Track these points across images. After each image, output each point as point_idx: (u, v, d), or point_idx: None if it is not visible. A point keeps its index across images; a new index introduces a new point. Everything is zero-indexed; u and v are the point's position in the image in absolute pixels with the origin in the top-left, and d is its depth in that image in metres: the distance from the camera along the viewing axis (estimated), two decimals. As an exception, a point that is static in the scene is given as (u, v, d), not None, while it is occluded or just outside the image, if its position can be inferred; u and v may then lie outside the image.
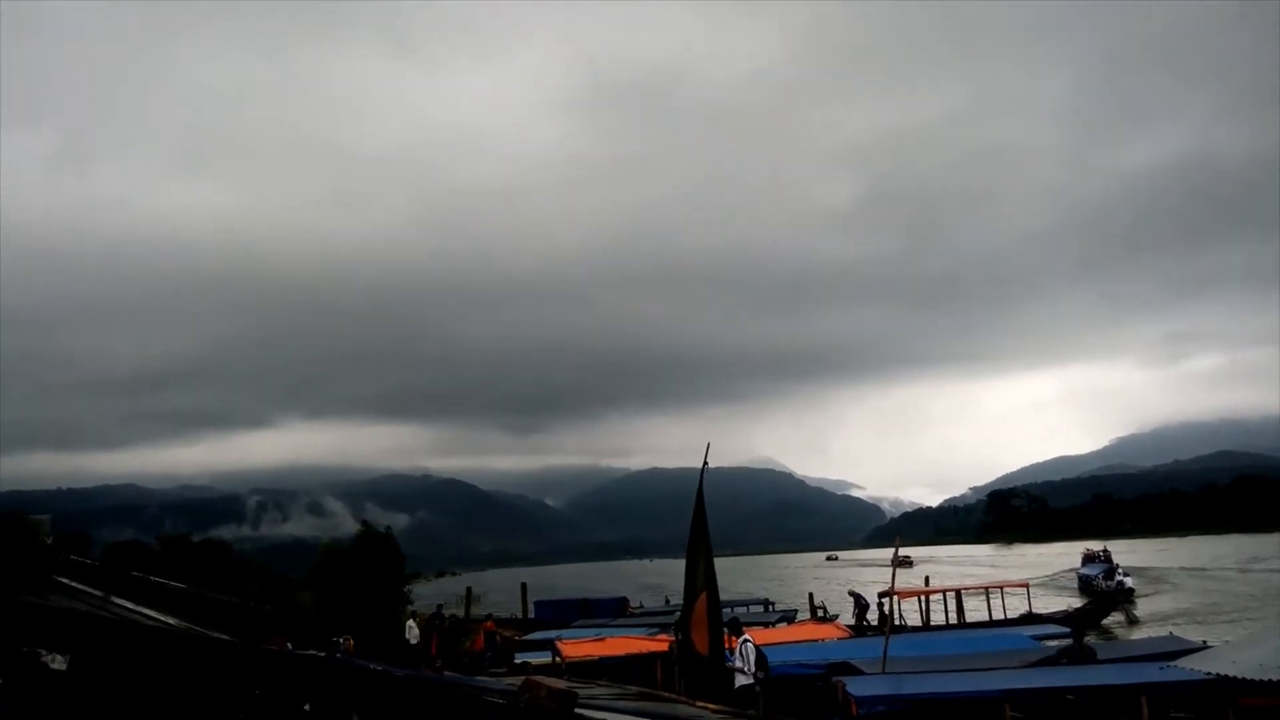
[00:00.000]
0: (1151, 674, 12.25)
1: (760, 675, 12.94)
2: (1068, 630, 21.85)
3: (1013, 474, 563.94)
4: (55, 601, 8.68)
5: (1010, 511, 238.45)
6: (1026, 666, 14.37)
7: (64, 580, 9.64)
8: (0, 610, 5.21)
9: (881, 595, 33.76)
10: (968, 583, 39.91)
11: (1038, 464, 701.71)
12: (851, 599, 38.35)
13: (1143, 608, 44.20)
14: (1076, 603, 39.34)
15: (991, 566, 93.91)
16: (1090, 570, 58.17)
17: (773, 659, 15.05)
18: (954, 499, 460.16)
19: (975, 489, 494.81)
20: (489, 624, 30.79)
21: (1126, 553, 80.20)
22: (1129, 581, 49.62)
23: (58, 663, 9.54)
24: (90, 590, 9.33)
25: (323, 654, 7.43)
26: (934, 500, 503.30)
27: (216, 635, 8.73)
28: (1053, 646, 17.51)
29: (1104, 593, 45.34)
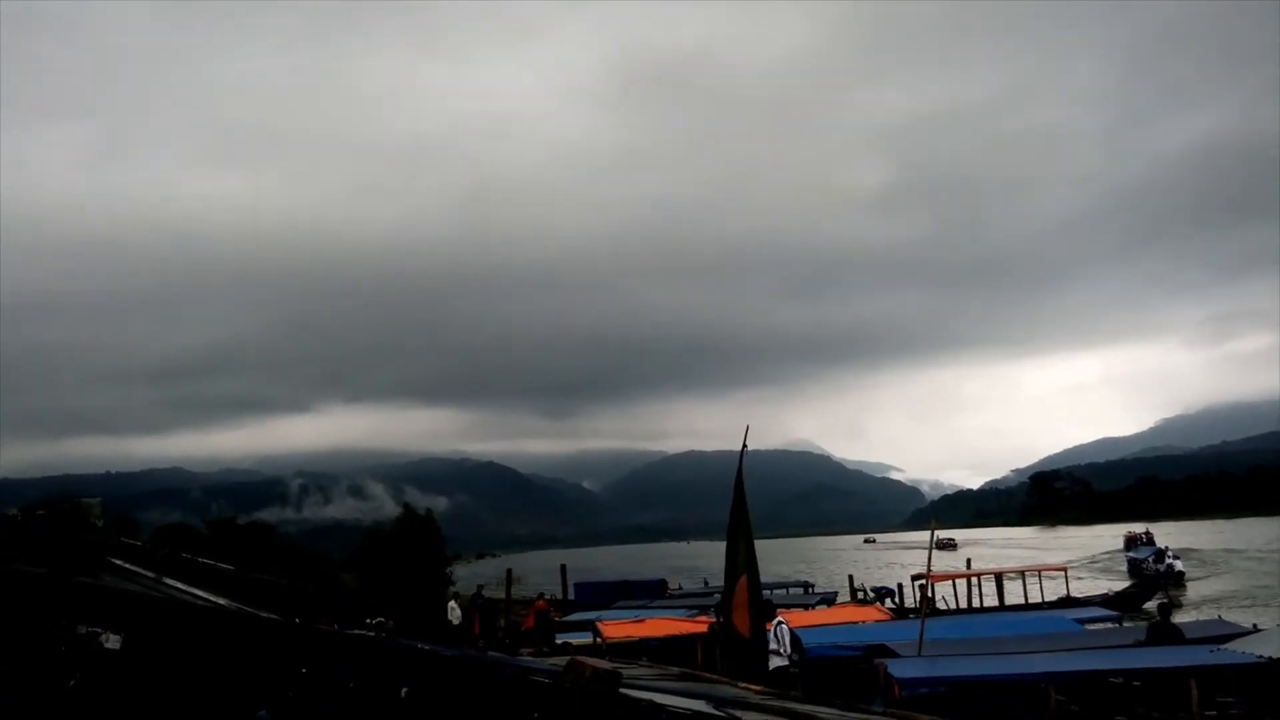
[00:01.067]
0: (1201, 657, 12.03)
1: (795, 657, 12.92)
2: (1113, 614, 21.58)
3: (1055, 456, 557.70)
4: (110, 582, 8.89)
5: (1053, 494, 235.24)
6: (1070, 650, 14.18)
7: (117, 562, 9.85)
8: (58, 591, 5.34)
9: (915, 578, 33.57)
10: (1009, 565, 39.47)
11: (1081, 446, 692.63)
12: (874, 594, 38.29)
13: (1190, 591, 43.46)
14: (1118, 585, 38.68)
15: (1034, 549, 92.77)
16: (1139, 553, 57.12)
17: (809, 641, 15.01)
18: (995, 481, 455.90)
19: (1017, 471, 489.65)
20: (541, 603, 31.22)
21: (1172, 535, 78.86)
22: (1179, 564, 48.49)
23: (111, 642, 9.76)
24: (143, 571, 9.52)
25: (371, 633, 7.55)
26: (975, 483, 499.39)
27: (265, 615, 8.88)
28: (1095, 630, 17.32)
29: (1149, 576, 44.59)
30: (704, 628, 18.59)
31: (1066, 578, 32.65)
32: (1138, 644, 14.17)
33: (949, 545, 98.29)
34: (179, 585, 9.70)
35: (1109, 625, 18.82)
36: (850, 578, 40.31)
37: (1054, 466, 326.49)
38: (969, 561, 46.37)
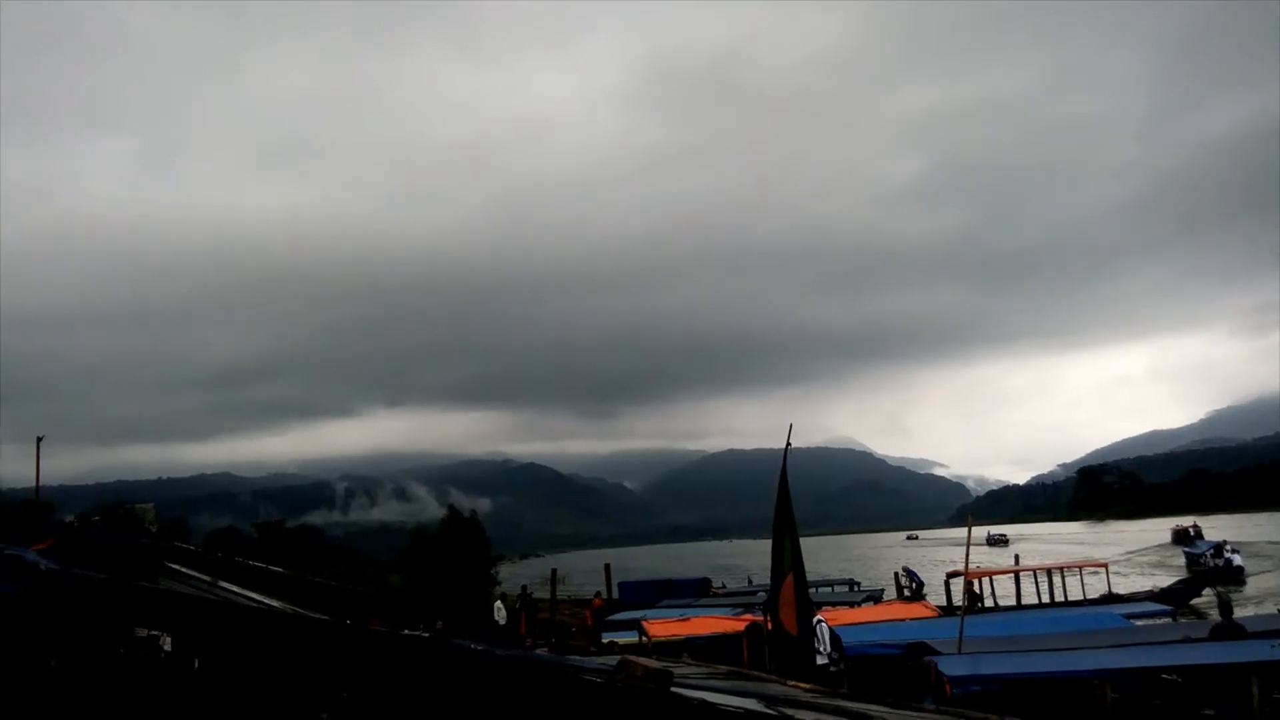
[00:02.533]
0: (1261, 652, 11.71)
1: (834, 656, 12.84)
2: (1166, 609, 21.13)
3: (1103, 450, 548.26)
4: (167, 586, 9.08)
5: (1101, 488, 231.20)
6: (1121, 646, 13.90)
7: (173, 566, 10.06)
8: (117, 595, 5.47)
9: (950, 575, 33.26)
10: (1051, 561, 38.70)
11: (1129, 439, 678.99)
12: (906, 576, 38.12)
13: (1249, 585, 42.33)
14: (1164, 582, 37.72)
15: (1083, 544, 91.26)
16: (1197, 547, 55.62)
17: (850, 639, 14.93)
18: (1041, 476, 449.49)
19: (1064, 466, 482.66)
20: (598, 601, 31.57)
21: (1224, 529, 76.96)
22: (1238, 559, 46.98)
23: (168, 644, 9.97)
24: (199, 575, 9.72)
25: (424, 634, 7.64)
26: (1021, 478, 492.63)
27: (318, 616, 9.01)
28: (1147, 625, 16.98)
29: (1203, 571, 43.51)
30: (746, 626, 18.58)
31: (1108, 574, 31.90)
32: (1188, 640, 13.88)
33: (1001, 541, 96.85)
34: (234, 588, 9.89)
35: (1161, 621, 18.44)
36: (895, 574, 39.91)
37: (1102, 460, 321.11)
38: (1017, 558, 45.74)
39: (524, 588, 32.40)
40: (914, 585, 37.15)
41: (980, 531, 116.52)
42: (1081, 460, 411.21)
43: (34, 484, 32.12)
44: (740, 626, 19.08)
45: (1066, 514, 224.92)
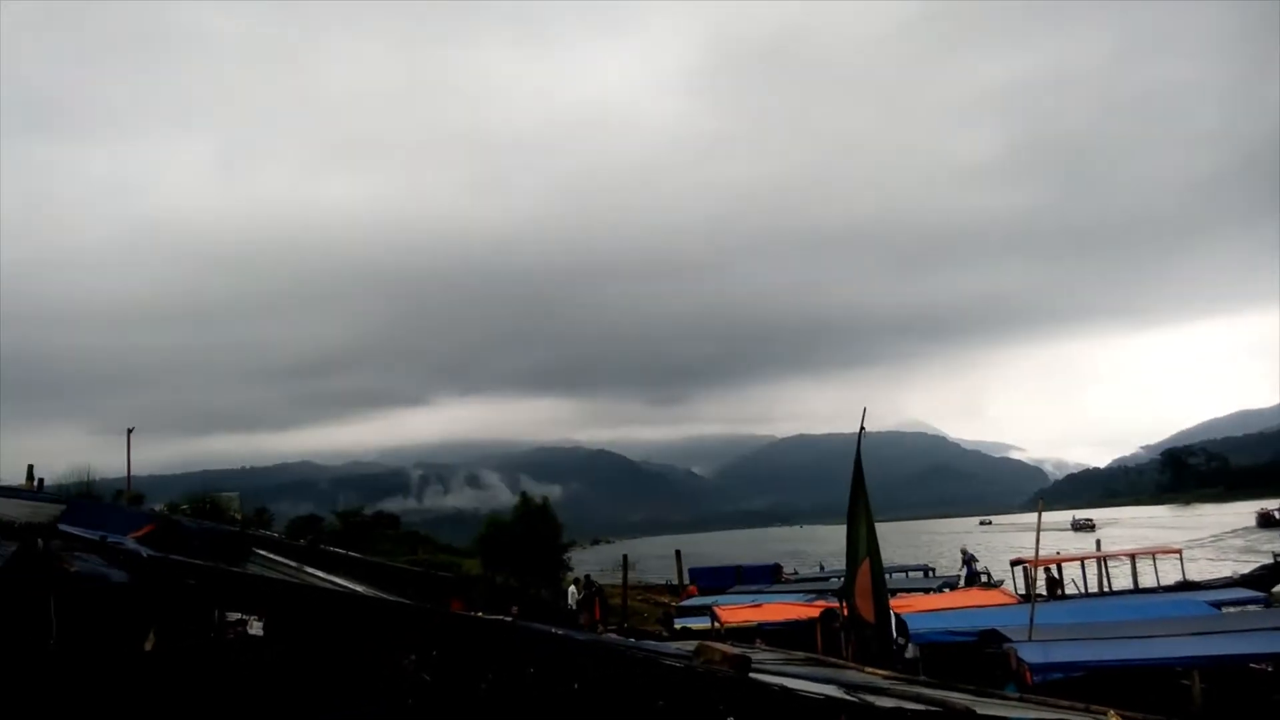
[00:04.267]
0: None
1: (902, 643, 12.70)
2: (1258, 595, 20.35)
3: (1189, 430, 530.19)
4: (255, 570, 9.41)
5: (1187, 470, 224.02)
6: (1207, 634, 13.44)
7: (261, 552, 10.43)
8: (211, 580, 5.68)
9: (1014, 563, 32.66)
10: (1136, 547, 37.47)
11: (1217, 419, 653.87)
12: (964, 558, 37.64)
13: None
14: (1244, 568, 36.15)
15: (1167, 528, 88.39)
16: None
17: (922, 626, 14.72)
18: (1124, 459, 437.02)
19: (1147, 447, 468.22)
20: (693, 589, 32.06)
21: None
22: None
23: (255, 628, 10.30)
24: (285, 561, 10.06)
25: (506, 618, 7.78)
26: (1102, 460, 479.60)
27: (401, 600, 9.25)
28: (1235, 613, 16.40)
29: None
30: (819, 612, 18.49)
31: (1182, 560, 30.66)
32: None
33: (1087, 526, 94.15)
34: (319, 573, 10.20)
35: (1251, 608, 17.76)
36: (972, 558, 39.23)
37: (1187, 442, 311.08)
38: (1098, 543, 44.52)
39: (587, 576, 32.74)
40: (968, 568, 36.74)
41: (1064, 516, 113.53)
42: (1166, 442, 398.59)
43: (125, 473, 33.49)
44: (814, 613, 19.00)
45: (1150, 497, 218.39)
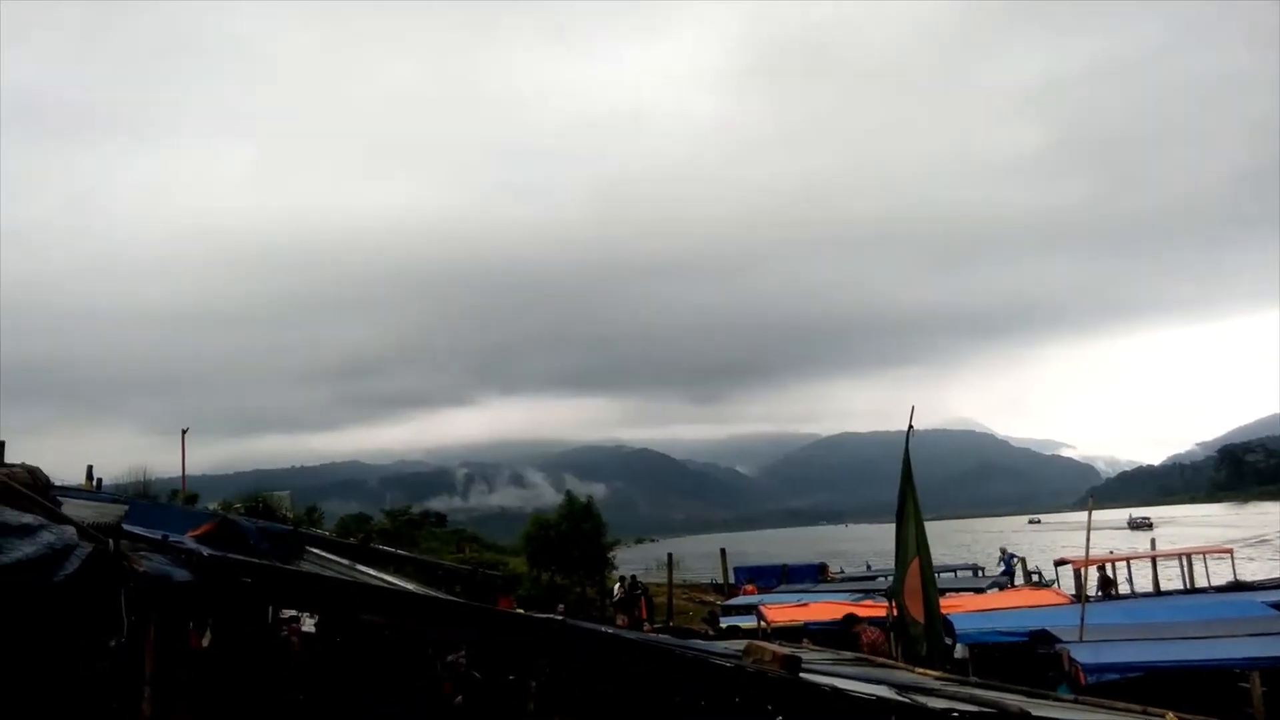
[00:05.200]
0: None
1: (950, 643, 12.54)
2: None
3: (1246, 427, 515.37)
4: (308, 568, 9.60)
5: (1245, 467, 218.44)
6: (1267, 635, 13.09)
7: (314, 550, 10.67)
8: (268, 578, 5.81)
9: (1058, 563, 32.05)
10: (1185, 546, 36.55)
11: (1274, 415, 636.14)
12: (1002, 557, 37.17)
13: None
14: None
15: (1224, 527, 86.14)
16: None
17: (970, 626, 14.52)
18: (1178, 456, 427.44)
19: (1202, 445, 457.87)
20: (750, 588, 32.15)
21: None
22: None
23: (308, 625, 10.48)
24: (337, 559, 10.29)
25: (557, 616, 7.85)
26: (1156, 458, 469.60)
27: (450, 597, 9.40)
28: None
29: None
30: (870, 612, 18.32)
31: (1233, 560, 29.84)
32: None
33: (1145, 525, 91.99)
34: (370, 571, 10.42)
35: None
36: (1023, 560, 38.63)
37: (1245, 438, 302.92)
38: (1153, 542, 43.59)
39: (633, 577, 32.80)
40: (1006, 567, 36.24)
41: (1118, 515, 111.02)
42: (1222, 438, 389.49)
43: (180, 473, 34.21)
44: (860, 612, 18.82)
45: (1206, 496, 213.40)
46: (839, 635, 17.26)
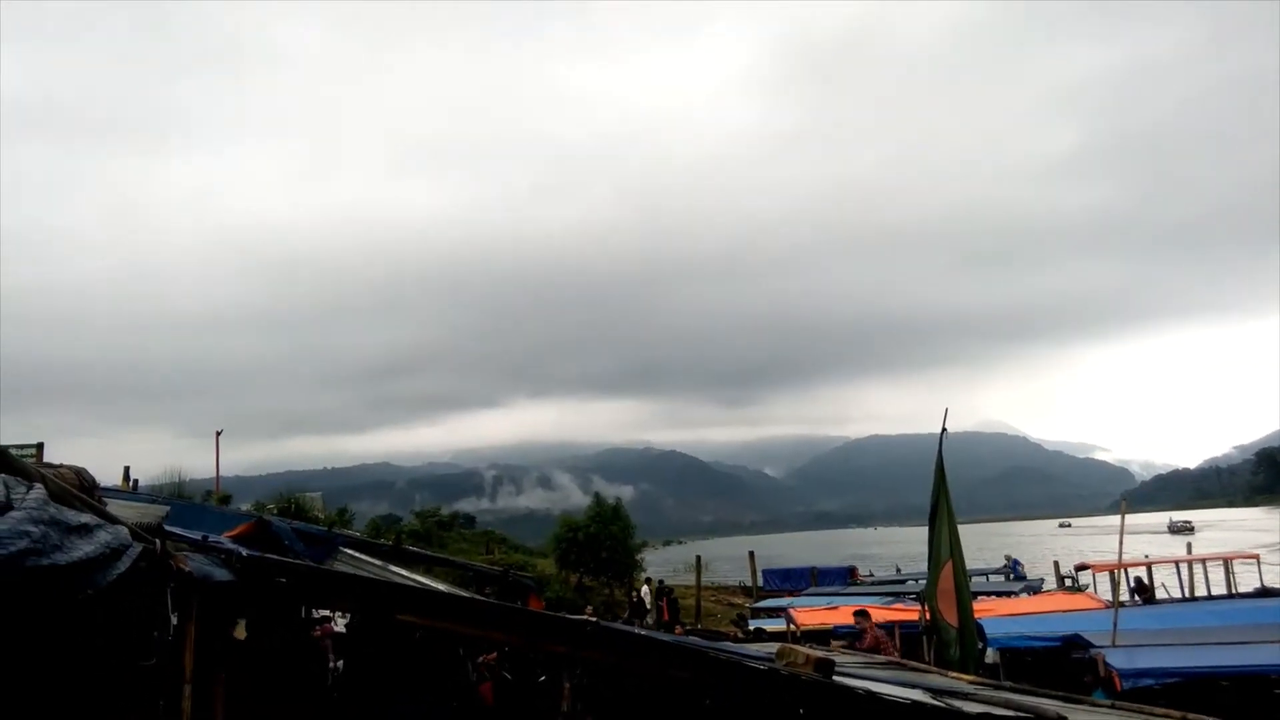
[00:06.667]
0: None
1: (980, 647, 12.42)
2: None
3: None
4: (342, 569, 9.70)
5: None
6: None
7: (347, 551, 10.79)
8: (302, 578, 5.88)
9: (1078, 568, 31.65)
10: (1210, 552, 35.89)
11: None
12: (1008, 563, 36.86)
13: None
14: None
15: (1263, 531, 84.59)
16: None
17: (1001, 631, 14.38)
18: (1215, 459, 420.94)
19: (1240, 448, 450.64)
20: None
21: None
22: None
23: (340, 625, 10.57)
24: (370, 559, 10.41)
25: (589, 617, 7.89)
26: (1192, 461, 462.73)
27: (481, 598, 9.47)
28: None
29: None
30: (901, 616, 18.21)
31: (1259, 565, 29.26)
32: None
33: (1186, 529, 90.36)
34: (401, 572, 10.52)
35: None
36: (1056, 564, 38.21)
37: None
38: (1189, 546, 42.91)
39: (661, 581, 32.77)
40: (1012, 574, 35.97)
41: (1154, 518, 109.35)
42: (1260, 441, 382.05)
43: (214, 474, 34.65)
44: (890, 616, 18.71)
45: (1244, 499, 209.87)
46: (856, 634, 17.22)
